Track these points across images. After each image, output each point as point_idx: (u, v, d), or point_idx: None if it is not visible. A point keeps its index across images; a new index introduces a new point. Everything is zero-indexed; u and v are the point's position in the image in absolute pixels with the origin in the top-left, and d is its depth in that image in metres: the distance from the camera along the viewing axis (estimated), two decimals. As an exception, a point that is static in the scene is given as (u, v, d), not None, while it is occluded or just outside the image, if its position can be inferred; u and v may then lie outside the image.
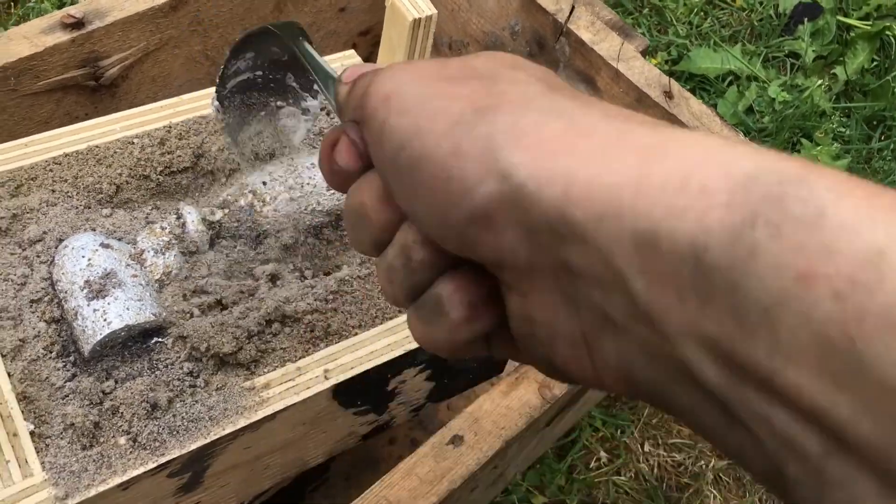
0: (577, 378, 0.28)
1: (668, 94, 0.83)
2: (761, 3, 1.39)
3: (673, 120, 0.82)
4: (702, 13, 1.36)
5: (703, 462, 0.92)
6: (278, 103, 0.56)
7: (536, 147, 0.25)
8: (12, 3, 1.12)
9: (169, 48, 0.80)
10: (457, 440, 0.58)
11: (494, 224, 0.26)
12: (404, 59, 0.66)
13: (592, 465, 0.88)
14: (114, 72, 0.76)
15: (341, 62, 0.71)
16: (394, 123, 0.29)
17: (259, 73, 0.55)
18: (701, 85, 1.26)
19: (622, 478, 0.88)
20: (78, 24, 0.72)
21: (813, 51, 1.31)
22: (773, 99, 1.23)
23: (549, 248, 0.25)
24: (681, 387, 0.24)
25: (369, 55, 1.05)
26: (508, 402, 0.61)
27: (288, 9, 0.89)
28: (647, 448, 0.91)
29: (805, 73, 1.31)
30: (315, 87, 0.55)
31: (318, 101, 0.57)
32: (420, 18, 0.64)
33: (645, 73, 0.84)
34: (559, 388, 0.62)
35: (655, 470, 0.90)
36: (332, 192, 0.60)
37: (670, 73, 1.15)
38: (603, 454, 0.89)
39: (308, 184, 0.60)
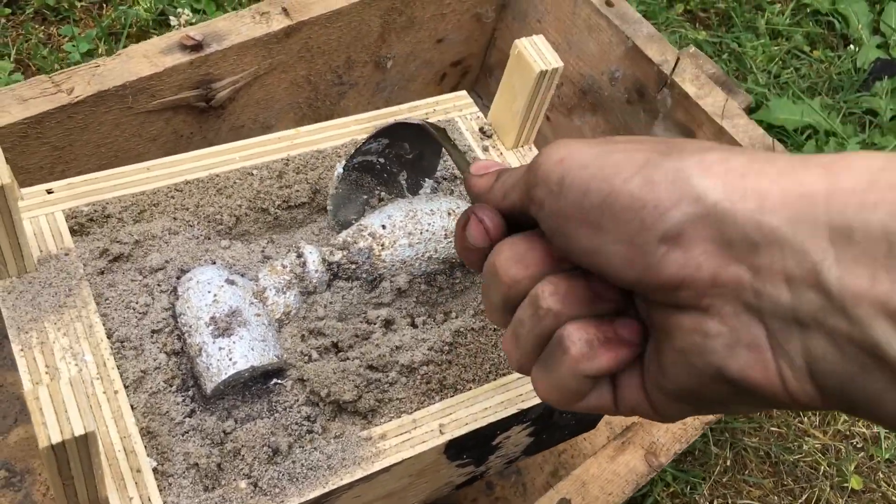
0: (756, 383, 0.29)
1: (772, 155, 0.82)
2: (839, 57, 1.38)
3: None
4: (781, 62, 1.35)
5: (771, 526, 0.90)
6: (382, 194, 0.61)
7: (726, 173, 0.29)
8: (104, 4, 1.13)
9: (277, 73, 0.80)
10: (564, 503, 0.58)
11: (686, 241, 0.29)
12: (524, 106, 0.65)
13: (662, 521, 0.87)
14: (224, 94, 0.76)
15: (454, 102, 0.71)
16: (575, 175, 0.32)
17: (382, 160, 0.60)
18: (779, 136, 1.25)
19: (691, 536, 0.87)
20: (197, 46, 0.72)
21: (891, 109, 1.30)
22: (852, 156, 1.22)
23: (740, 258, 0.28)
24: (870, 374, 0.26)
25: (457, 84, 1.05)
26: (615, 468, 0.60)
27: (391, 39, 0.88)
28: (716, 507, 0.90)
29: (882, 131, 1.29)
30: (421, 190, 0.63)
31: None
32: (546, 70, 0.63)
33: (749, 131, 0.84)
34: (665, 456, 0.61)
35: (724, 530, 0.89)
36: (449, 240, 0.60)
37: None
38: (672, 511, 0.88)
39: (427, 230, 0.59)
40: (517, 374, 0.58)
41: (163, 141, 0.76)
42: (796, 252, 0.27)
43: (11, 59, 1.03)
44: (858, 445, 0.98)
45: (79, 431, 0.40)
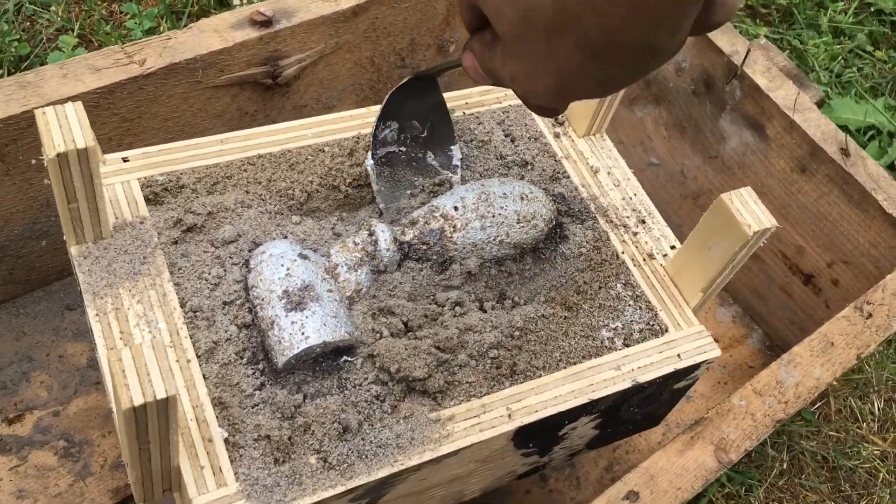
0: None
1: (845, 152, 0.80)
2: (904, 57, 1.35)
3: (848, 179, 0.79)
4: (843, 61, 1.32)
5: (827, 531, 0.88)
6: (423, 184, 0.61)
7: None
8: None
9: (342, 52, 0.79)
10: (632, 496, 0.56)
11: None
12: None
13: (717, 521, 0.86)
14: (291, 72, 0.76)
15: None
16: None
17: (403, 149, 0.60)
18: (840, 136, 1.22)
19: (745, 538, 0.86)
20: (267, 22, 0.71)
21: (957, 112, 1.26)
22: (915, 159, 1.19)
23: None
24: None
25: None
26: (684, 462, 0.58)
27: (455, 23, 0.88)
28: (771, 510, 0.88)
29: (947, 134, 1.26)
30: (452, 164, 0.63)
31: (457, 175, 0.63)
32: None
33: (822, 126, 0.82)
34: (735, 453, 0.60)
35: (778, 534, 0.87)
36: (521, 225, 0.59)
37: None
38: (727, 512, 0.86)
39: (499, 214, 0.58)
40: (588, 364, 0.57)
41: (228, 117, 0.76)
42: None
43: (75, 34, 1.04)
44: (918, 454, 0.96)
45: (160, 395, 0.40)
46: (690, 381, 0.62)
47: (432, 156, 0.63)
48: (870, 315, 0.69)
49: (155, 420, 0.42)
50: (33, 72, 0.65)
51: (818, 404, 0.96)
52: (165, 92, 0.69)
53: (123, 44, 0.68)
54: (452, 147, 0.63)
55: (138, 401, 0.40)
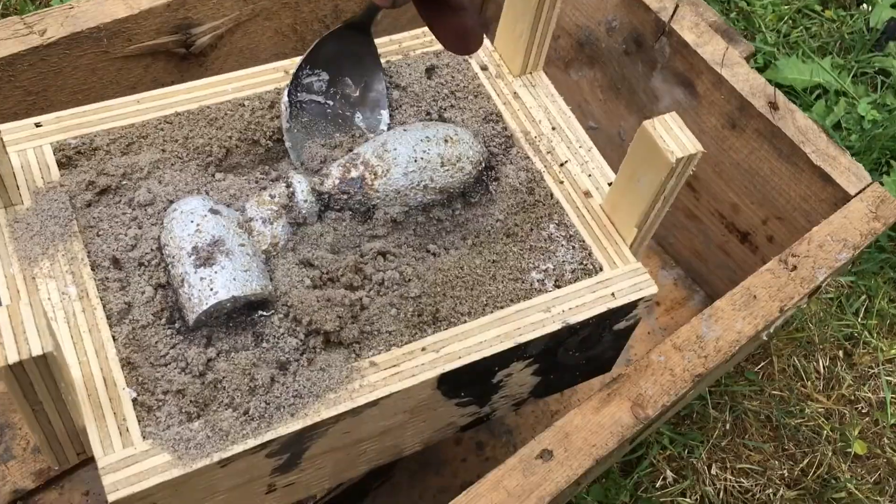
0: None
1: (773, 106, 0.79)
2: (852, 16, 1.34)
3: (777, 133, 0.79)
4: (791, 21, 1.31)
5: (770, 490, 0.88)
6: (342, 140, 0.59)
7: None
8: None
9: (260, 20, 0.77)
10: (546, 455, 0.55)
11: None
12: (529, 29, 0.63)
13: (658, 483, 0.85)
14: (205, 40, 0.74)
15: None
16: None
17: (330, 102, 0.58)
18: (787, 96, 1.21)
19: (687, 500, 0.85)
20: (175, -13, 0.69)
21: (904, 70, 1.26)
22: (863, 117, 1.18)
23: None
24: None
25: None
26: (600, 419, 0.57)
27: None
28: (714, 471, 0.87)
29: (895, 92, 1.25)
30: (379, 128, 0.61)
31: (384, 114, 0.61)
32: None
33: (750, 80, 0.80)
34: (652, 409, 0.59)
35: (721, 494, 0.87)
36: (447, 168, 0.57)
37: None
38: (669, 474, 0.85)
39: (422, 158, 0.57)
40: (515, 308, 0.55)
41: (142, 89, 0.74)
42: None
43: (-2, 12, 1.01)
44: (864, 410, 0.96)
45: (37, 351, 0.40)
46: (631, 321, 0.60)
47: (360, 117, 0.61)
48: (794, 267, 0.68)
49: (40, 378, 0.41)
50: (-73, 43, 0.63)
51: (762, 364, 0.96)
52: (70, 63, 0.68)
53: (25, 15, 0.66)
54: (383, 111, 0.61)
55: (13, 358, 0.39)
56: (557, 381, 0.63)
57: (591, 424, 0.57)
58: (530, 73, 0.67)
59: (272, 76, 0.62)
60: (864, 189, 0.74)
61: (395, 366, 0.51)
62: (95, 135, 0.57)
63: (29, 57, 0.65)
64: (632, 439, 0.67)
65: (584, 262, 0.59)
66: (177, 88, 0.60)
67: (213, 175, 0.58)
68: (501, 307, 0.55)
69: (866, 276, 1.04)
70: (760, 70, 1.23)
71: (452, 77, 0.66)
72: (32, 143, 0.56)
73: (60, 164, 0.55)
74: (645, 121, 0.53)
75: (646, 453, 0.85)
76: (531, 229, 0.59)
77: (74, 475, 0.72)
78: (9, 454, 0.72)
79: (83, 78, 0.70)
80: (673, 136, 0.53)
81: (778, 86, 1.20)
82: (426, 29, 0.67)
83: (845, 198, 0.74)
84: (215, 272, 0.50)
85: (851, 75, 1.23)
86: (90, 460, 0.73)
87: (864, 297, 1.02)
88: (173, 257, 0.51)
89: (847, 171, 0.75)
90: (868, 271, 1.04)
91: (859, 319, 1.01)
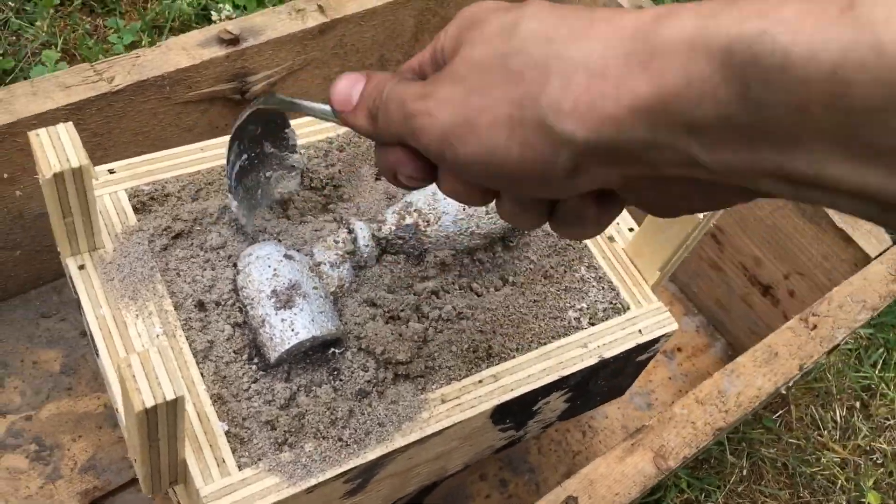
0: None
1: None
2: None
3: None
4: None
5: (785, 537, 0.90)
6: (267, 174, 0.61)
7: (587, 109, 0.30)
8: (148, -3, 1.16)
9: (311, 68, 0.82)
10: (571, 501, 0.58)
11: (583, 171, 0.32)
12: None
13: (675, 527, 0.88)
14: (258, 88, 0.78)
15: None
16: (460, 153, 0.34)
17: (246, 155, 0.58)
18: None
19: (703, 544, 0.87)
20: (234, 40, 0.74)
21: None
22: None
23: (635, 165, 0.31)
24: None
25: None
26: (623, 469, 0.61)
27: (425, 39, 0.90)
28: (730, 516, 0.90)
29: None
30: (290, 145, 0.60)
31: (297, 154, 0.61)
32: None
33: None
34: (674, 460, 0.62)
35: (737, 539, 0.89)
36: (490, 216, 0.63)
37: None
38: (686, 517, 0.88)
39: (469, 206, 0.61)
40: (558, 343, 0.61)
41: (198, 131, 0.78)
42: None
43: (58, 49, 1.06)
44: (879, 461, 0.98)
45: (170, 396, 0.43)
46: (651, 354, 0.67)
47: (269, 144, 0.60)
48: (815, 326, 0.71)
49: (164, 419, 0.45)
50: (3, 89, 0.68)
51: (779, 412, 0.98)
52: (134, 108, 0.72)
53: (102, 59, 0.70)
54: (287, 129, 0.61)
55: (149, 403, 0.43)
56: (582, 405, 0.70)
57: (615, 473, 0.60)
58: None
59: (324, 125, 0.66)
60: (884, 252, 0.77)
61: (457, 398, 0.57)
62: (167, 181, 0.61)
63: (97, 102, 0.69)
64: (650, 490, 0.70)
65: (613, 302, 0.65)
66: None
67: (277, 219, 0.62)
68: (544, 343, 0.61)
69: (885, 329, 1.07)
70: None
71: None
72: (108, 188, 0.59)
73: (136, 210, 0.59)
74: None
75: (663, 496, 0.88)
76: (565, 271, 0.66)
77: (118, 496, 0.76)
78: (57, 474, 0.76)
79: (145, 121, 0.74)
80: None
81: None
82: None
83: (865, 259, 0.77)
84: (294, 314, 0.54)
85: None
86: (132, 482, 0.76)
87: (882, 349, 1.05)
88: (252, 299, 0.55)
89: (868, 234, 0.78)
90: (887, 324, 1.07)
91: (877, 371, 1.03)
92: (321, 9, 0.79)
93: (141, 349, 0.43)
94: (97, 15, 1.13)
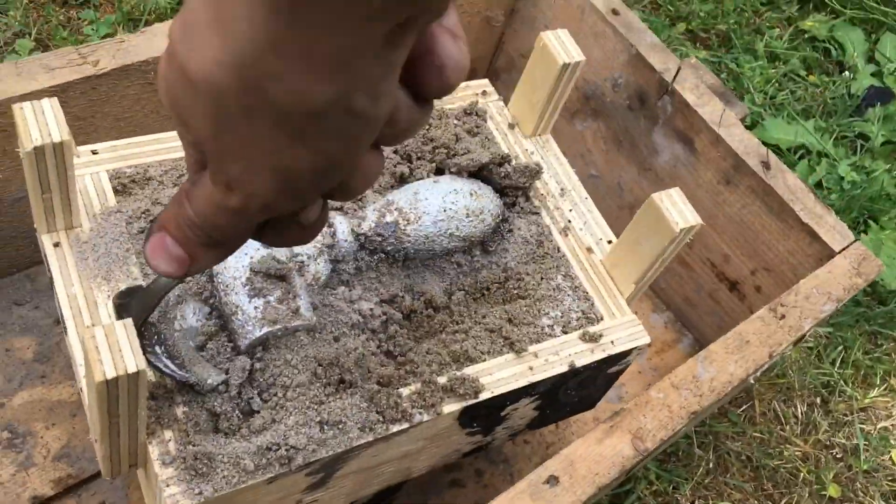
0: None
1: (766, 165, 0.85)
2: (834, 83, 1.42)
3: (768, 191, 0.85)
4: (777, 84, 1.39)
5: (750, 528, 0.93)
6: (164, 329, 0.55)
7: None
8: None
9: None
10: (552, 480, 0.60)
11: None
12: (545, 97, 0.68)
13: (644, 517, 0.89)
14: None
15: (474, 90, 0.74)
16: None
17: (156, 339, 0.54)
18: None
19: (672, 533, 0.89)
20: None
21: (882, 135, 1.34)
22: (843, 178, 1.25)
23: None
24: None
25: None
26: (602, 450, 0.62)
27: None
28: (697, 508, 0.92)
29: (873, 155, 1.33)
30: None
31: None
32: (569, 63, 0.66)
33: (745, 141, 0.87)
34: (651, 442, 0.63)
35: (704, 530, 0.91)
36: (471, 220, 0.63)
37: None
38: (655, 508, 0.90)
39: (451, 209, 0.62)
40: (530, 349, 0.61)
41: (180, 119, 0.78)
42: None
43: (32, 38, 1.05)
44: (838, 456, 1.01)
45: (131, 369, 0.43)
46: (623, 367, 0.67)
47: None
48: (783, 316, 0.73)
49: (125, 394, 0.44)
50: (-13, 70, 0.67)
51: (744, 407, 1.01)
52: (118, 92, 0.72)
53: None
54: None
55: (111, 374, 0.43)
56: (552, 415, 0.69)
57: (594, 454, 0.62)
58: (539, 135, 0.73)
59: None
60: (847, 247, 0.80)
61: (425, 398, 0.56)
62: (149, 165, 0.61)
63: (81, 85, 0.69)
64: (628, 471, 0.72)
65: (587, 312, 0.65)
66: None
67: None
68: (516, 349, 0.61)
69: (843, 328, 1.10)
70: (749, 129, 1.30)
71: (472, 129, 0.71)
72: (90, 169, 0.59)
73: (116, 191, 0.59)
74: (653, 193, 0.60)
75: (633, 487, 0.89)
76: (541, 279, 0.66)
77: (92, 484, 0.75)
78: (30, 461, 0.75)
79: (128, 106, 0.74)
80: (678, 208, 0.60)
81: (764, 144, 1.27)
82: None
83: (830, 254, 0.80)
84: (267, 302, 0.54)
85: (833, 138, 1.31)
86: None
87: (840, 347, 1.08)
88: (227, 286, 0.55)
89: (832, 230, 0.81)
90: (845, 323, 1.11)
91: (836, 369, 1.07)
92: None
93: (121, 322, 0.43)
94: (71, 6, 1.13)
